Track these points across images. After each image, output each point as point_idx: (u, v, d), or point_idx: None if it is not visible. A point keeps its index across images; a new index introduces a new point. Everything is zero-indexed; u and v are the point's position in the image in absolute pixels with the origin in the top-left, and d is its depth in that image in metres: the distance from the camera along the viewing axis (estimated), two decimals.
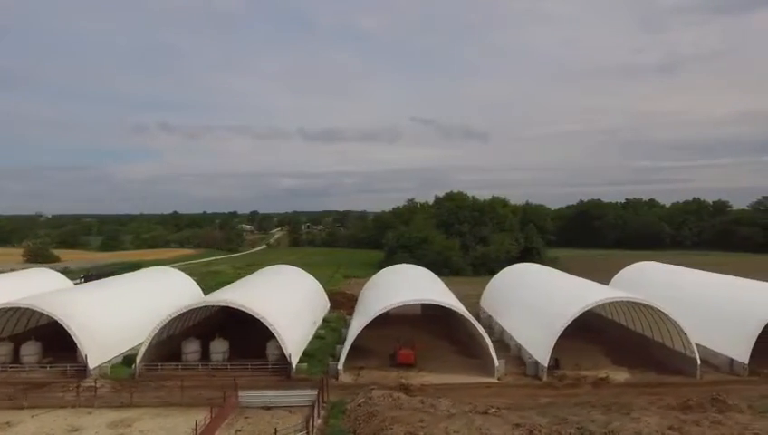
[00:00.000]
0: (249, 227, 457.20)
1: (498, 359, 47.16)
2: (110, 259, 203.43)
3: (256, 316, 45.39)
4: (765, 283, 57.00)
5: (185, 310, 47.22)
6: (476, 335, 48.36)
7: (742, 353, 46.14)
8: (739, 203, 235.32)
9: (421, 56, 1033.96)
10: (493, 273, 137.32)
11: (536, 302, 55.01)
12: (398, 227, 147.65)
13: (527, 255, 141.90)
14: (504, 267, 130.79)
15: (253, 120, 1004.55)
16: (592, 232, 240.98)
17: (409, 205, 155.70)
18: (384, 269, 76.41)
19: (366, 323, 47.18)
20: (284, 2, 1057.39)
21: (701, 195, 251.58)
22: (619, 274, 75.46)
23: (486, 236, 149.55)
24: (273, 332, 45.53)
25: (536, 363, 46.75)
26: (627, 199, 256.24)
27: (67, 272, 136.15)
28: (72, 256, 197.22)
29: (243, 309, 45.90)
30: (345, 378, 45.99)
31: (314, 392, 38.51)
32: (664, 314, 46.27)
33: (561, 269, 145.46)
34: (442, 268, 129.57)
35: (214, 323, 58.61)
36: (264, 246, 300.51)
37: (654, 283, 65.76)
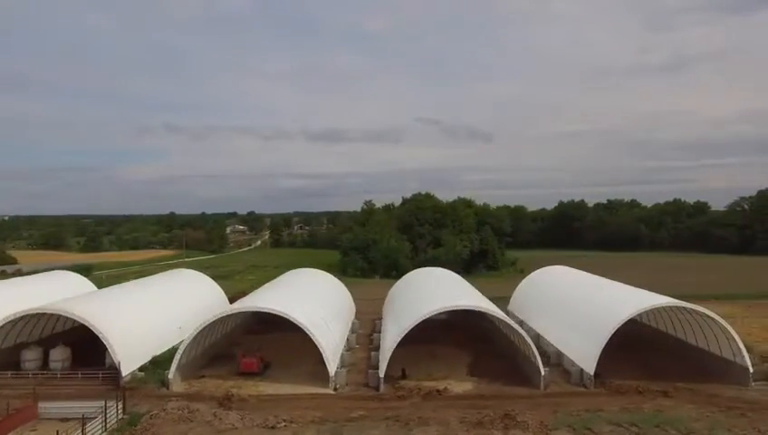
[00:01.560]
0: (242, 227, 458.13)
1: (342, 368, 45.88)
2: (81, 260, 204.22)
3: (82, 321, 44.21)
4: (645, 291, 54.82)
5: (19, 316, 46.08)
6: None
7: (589, 364, 44.21)
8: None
9: (425, 57, 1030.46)
10: None
11: (399, 308, 53.41)
12: (354, 228, 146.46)
13: (482, 257, 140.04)
14: (452, 269, 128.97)
15: (257, 121, 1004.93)
16: (573, 234, 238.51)
17: (367, 207, 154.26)
18: (288, 271, 74.93)
19: (199, 331, 45.71)
20: (289, 3, 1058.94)
21: (707, 195, 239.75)
22: (528, 277, 73.62)
23: (443, 237, 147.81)
24: (102, 338, 44.31)
25: (377, 374, 45.12)
26: (609, 200, 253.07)
27: (18, 274, 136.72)
28: (41, 259, 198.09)
29: (69, 315, 44.73)
30: (178, 387, 44.64)
31: (111, 403, 37.19)
32: (505, 322, 44.49)
33: (514, 272, 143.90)
34: (390, 270, 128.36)
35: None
36: (247, 248, 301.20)
37: (548, 287, 63.96)
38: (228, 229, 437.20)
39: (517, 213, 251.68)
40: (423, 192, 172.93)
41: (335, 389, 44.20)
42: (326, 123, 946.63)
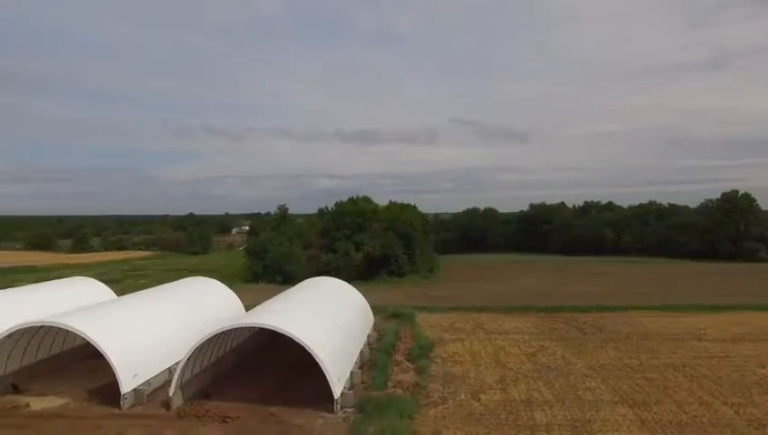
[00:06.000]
0: (247, 228, 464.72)
1: None
2: (47, 262, 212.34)
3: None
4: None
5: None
6: None
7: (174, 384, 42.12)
8: None
9: (459, 57, 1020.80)
10: None
11: None
12: (266, 232, 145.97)
13: (384, 262, 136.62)
14: (339, 276, 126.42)
15: (292, 122, 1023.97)
16: (542, 237, 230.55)
17: (279, 211, 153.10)
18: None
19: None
20: (322, 5, 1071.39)
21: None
22: (300, 285, 71.05)
23: (362, 242, 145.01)
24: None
25: None
26: (586, 202, 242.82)
27: None
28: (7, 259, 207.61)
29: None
30: None
31: None
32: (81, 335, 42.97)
33: (423, 278, 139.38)
34: (275, 276, 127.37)
35: None
36: (228, 250, 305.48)
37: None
38: (234, 230, 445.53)
39: (488, 216, 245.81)
40: (360, 196, 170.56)
41: None
42: (360, 124, 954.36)
